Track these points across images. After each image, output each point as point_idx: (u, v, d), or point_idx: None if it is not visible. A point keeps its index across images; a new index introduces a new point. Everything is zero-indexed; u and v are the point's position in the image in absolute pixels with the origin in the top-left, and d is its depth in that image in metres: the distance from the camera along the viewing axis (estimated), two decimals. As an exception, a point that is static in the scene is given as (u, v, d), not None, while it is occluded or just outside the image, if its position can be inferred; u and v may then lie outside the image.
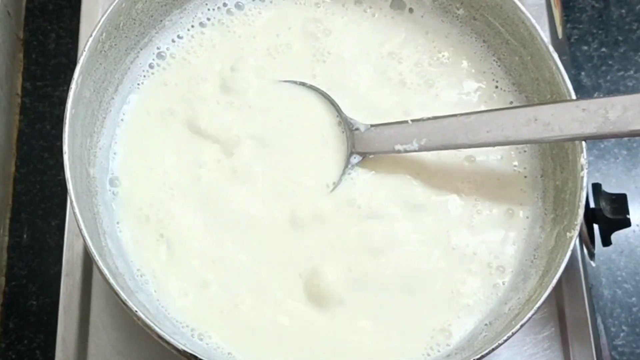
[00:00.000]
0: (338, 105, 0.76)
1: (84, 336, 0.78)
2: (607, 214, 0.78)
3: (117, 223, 0.72)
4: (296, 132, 0.76)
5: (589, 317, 0.80)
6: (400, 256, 0.73)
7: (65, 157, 0.68)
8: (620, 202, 0.78)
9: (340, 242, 0.73)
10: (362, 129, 0.75)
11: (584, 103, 0.69)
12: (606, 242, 0.79)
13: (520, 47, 0.77)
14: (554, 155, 0.75)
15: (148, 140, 0.76)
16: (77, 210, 0.66)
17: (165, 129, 0.76)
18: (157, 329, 0.64)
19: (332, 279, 0.72)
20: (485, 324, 0.71)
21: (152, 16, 0.78)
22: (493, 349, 0.66)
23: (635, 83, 1.03)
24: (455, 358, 0.69)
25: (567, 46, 1.02)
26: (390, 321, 0.72)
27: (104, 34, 0.73)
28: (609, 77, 1.03)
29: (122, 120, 0.76)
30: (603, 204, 0.78)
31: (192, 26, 0.80)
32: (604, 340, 0.85)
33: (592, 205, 0.79)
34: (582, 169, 0.70)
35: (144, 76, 0.78)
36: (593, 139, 0.70)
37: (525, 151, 0.77)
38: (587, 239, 0.81)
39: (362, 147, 0.75)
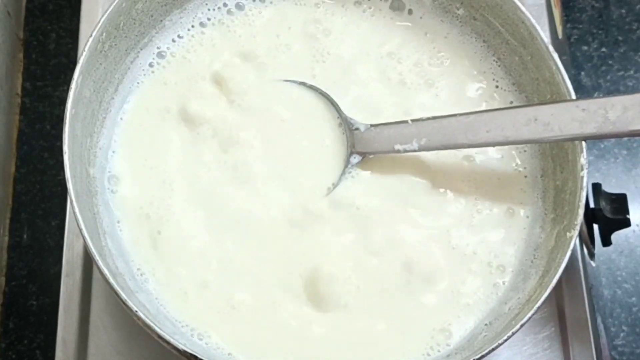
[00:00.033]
0: (338, 105, 0.76)
1: (84, 336, 0.78)
2: (607, 214, 0.78)
3: (118, 222, 0.72)
4: (296, 132, 0.76)
5: (589, 317, 0.80)
6: (400, 256, 0.73)
7: (65, 157, 0.68)
8: (620, 202, 0.78)
9: (340, 242, 0.73)
10: (362, 128, 0.75)
11: (583, 103, 0.69)
12: (606, 242, 0.79)
13: (520, 47, 0.77)
14: (554, 155, 0.75)
15: (148, 138, 0.76)
16: (77, 210, 0.66)
17: (165, 127, 0.76)
18: (157, 329, 0.64)
19: (332, 280, 0.72)
20: (485, 324, 0.71)
21: (152, 16, 0.78)
22: (493, 349, 0.66)
23: (635, 83, 1.03)
24: (455, 358, 0.69)
25: (567, 46, 1.02)
26: (390, 321, 0.72)
27: (104, 34, 0.73)
28: (609, 77, 1.03)
29: (121, 119, 0.76)
30: (603, 203, 0.78)
31: (193, 26, 0.80)
32: (604, 340, 0.85)
33: (592, 205, 0.79)
34: (582, 169, 0.70)
35: (144, 75, 0.78)
36: (593, 139, 0.70)
37: (525, 151, 0.77)
38: (587, 239, 0.81)
39: (362, 147, 0.75)
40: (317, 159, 0.76)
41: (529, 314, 0.66)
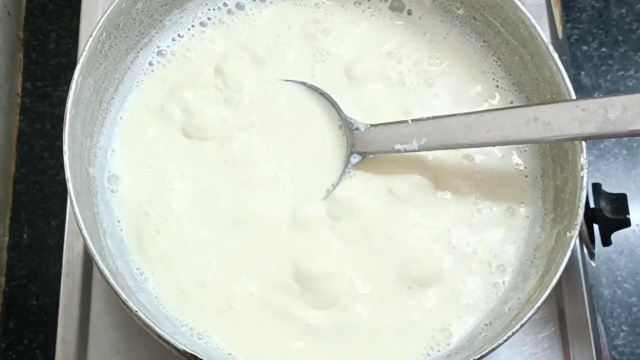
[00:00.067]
0: (338, 105, 0.76)
1: (84, 336, 0.78)
2: (607, 214, 0.78)
3: (118, 222, 0.73)
4: (296, 132, 0.76)
5: (589, 317, 0.80)
6: (400, 256, 0.73)
7: (65, 157, 0.68)
8: (620, 202, 0.78)
9: (340, 242, 0.73)
10: (362, 128, 0.75)
11: (583, 103, 0.69)
12: (606, 242, 0.79)
13: (520, 47, 0.77)
14: (554, 155, 0.75)
15: (147, 136, 0.76)
16: (77, 210, 0.66)
17: (165, 125, 0.76)
18: (157, 329, 0.64)
19: (331, 280, 0.72)
20: (485, 324, 0.71)
21: (152, 16, 0.78)
22: (493, 349, 0.66)
23: (635, 83, 1.03)
24: (455, 358, 0.69)
25: (567, 46, 1.02)
26: (390, 321, 0.72)
27: (104, 34, 0.73)
28: (609, 77, 1.03)
29: (121, 118, 0.76)
30: (603, 203, 0.78)
31: (193, 26, 0.80)
32: (604, 340, 0.85)
33: (592, 205, 0.79)
34: (582, 169, 0.70)
35: (144, 74, 0.78)
36: (593, 139, 0.70)
37: (525, 151, 0.77)
38: (587, 239, 0.81)
39: (362, 147, 0.75)
40: (316, 159, 0.76)
41: (529, 314, 0.66)
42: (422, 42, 0.81)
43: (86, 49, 0.71)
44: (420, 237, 0.74)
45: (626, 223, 0.78)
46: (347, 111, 0.76)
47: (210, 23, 0.80)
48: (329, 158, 0.76)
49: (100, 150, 0.74)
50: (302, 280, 0.72)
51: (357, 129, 0.75)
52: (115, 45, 0.75)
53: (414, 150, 0.74)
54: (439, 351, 0.71)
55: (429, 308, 0.72)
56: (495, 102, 0.79)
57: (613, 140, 1.00)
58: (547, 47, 0.74)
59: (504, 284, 0.73)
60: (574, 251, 0.72)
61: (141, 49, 0.78)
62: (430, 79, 0.79)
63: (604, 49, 1.04)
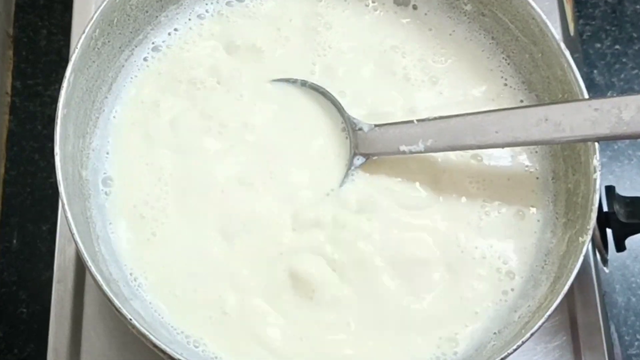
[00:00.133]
0: (341, 105, 0.76)
1: (77, 345, 0.78)
2: (621, 218, 0.78)
3: (110, 224, 0.73)
4: (297, 133, 0.77)
5: (602, 326, 0.80)
6: (405, 261, 0.73)
7: (57, 158, 0.68)
8: (634, 206, 0.78)
9: (344, 246, 0.73)
10: (366, 129, 0.75)
11: (596, 102, 0.69)
12: (620, 247, 0.79)
13: (531, 44, 0.77)
14: (566, 157, 0.75)
15: (142, 134, 0.76)
16: (69, 214, 0.66)
17: (161, 122, 0.76)
18: (152, 338, 0.64)
19: (334, 286, 0.72)
20: (494, 333, 0.71)
21: (147, 12, 0.78)
22: (502, 359, 0.66)
23: (650, 81, 1.03)
24: (462, 368, 0.70)
25: (579, 43, 1.02)
26: (394, 329, 0.72)
27: (97, 31, 0.73)
28: (622, 76, 1.03)
29: (114, 117, 0.76)
30: (617, 207, 0.78)
31: (190, 19, 0.80)
32: (617, 349, 0.85)
33: (605, 208, 0.79)
34: (595, 171, 0.70)
35: (138, 70, 0.78)
36: (606, 140, 0.70)
37: (536, 152, 0.77)
38: (600, 244, 0.81)
39: (366, 148, 0.75)
40: (318, 161, 0.76)
41: (540, 322, 0.66)
42: (427, 38, 0.81)
43: (78, 46, 0.71)
44: (427, 241, 0.74)
45: (641, 227, 0.78)
46: (349, 108, 0.76)
47: (208, 15, 0.80)
48: (332, 160, 0.76)
49: (93, 152, 0.74)
50: (299, 286, 0.72)
51: (360, 129, 0.75)
52: (109, 42, 0.75)
53: (420, 152, 0.74)
54: (445, 360, 0.71)
55: (435, 316, 0.72)
56: (504, 102, 0.79)
57: (627, 141, 0.99)
58: (558, 44, 0.74)
59: (513, 290, 0.73)
60: (586, 257, 0.72)
61: (136, 46, 0.78)
62: (435, 76, 0.80)
63: (617, 46, 1.04)
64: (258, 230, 0.73)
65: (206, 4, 0.81)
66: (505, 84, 0.79)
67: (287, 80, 0.78)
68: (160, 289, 0.71)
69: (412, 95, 0.79)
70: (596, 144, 0.71)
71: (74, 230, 0.66)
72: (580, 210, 0.72)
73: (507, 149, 0.77)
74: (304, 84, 0.78)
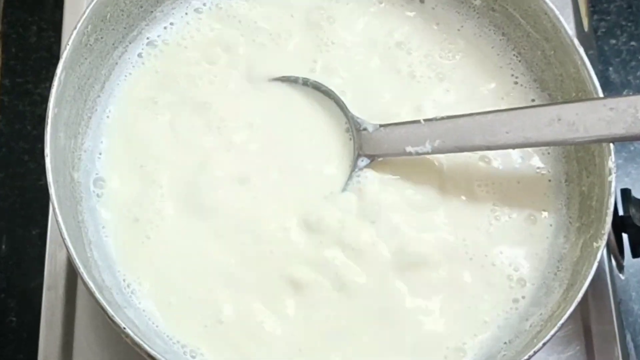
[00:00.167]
0: (344, 104, 0.76)
1: (68, 355, 0.78)
2: (638, 222, 0.78)
3: (104, 228, 0.72)
4: (299, 133, 0.77)
5: (618, 335, 0.80)
6: (410, 268, 0.73)
7: (48, 160, 0.68)
8: (651, 209, 0.78)
9: (346, 251, 0.73)
10: (370, 129, 0.75)
11: (612, 101, 0.69)
12: (636, 252, 0.79)
13: (543, 41, 0.77)
14: (579, 158, 0.75)
15: (137, 134, 0.76)
16: (60, 218, 0.66)
17: (157, 121, 0.76)
18: (146, 347, 0.64)
19: (337, 292, 0.72)
20: (504, 342, 0.71)
21: (141, 7, 0.78)
22: (513, 370, 0.66)
23: (667, 79, 1.03)
24: (471, 379, 0.70)
25: (594, 39, 1.02)
26: (399, 339, 0.71)
27: (90, 27, 0.73)
28: (639, 74, 1.03)
29: (108, 117, 0.76)
30: (633, 211, 0.78)
31: (187, 13, 0.80)
32: (633, 359, 0.85)
33: (620, 212, 0.79)
34: (610, 173, 0.70)
35: (133, 67, 0.78)
36: (622, 141, 0.70)
37: (548, 153, 0.77)
38: (615, 250, 0.81)
39: (371, 149, 0.75)
40: (321, 163, 0.75)
41: (552, 332, 0.66)
42: (434, 33, 0.81)
43: (70, 42, 0.71)
44: (434, 247, 0.74)
45: (658, 232, 0.78)
46: (351, 106, 0.76)
47: (205, 9, 0.80)
48: (335, 161, 0.76)
49: (85, 153, 0.74)
50: (299, 291, 0.72)
51: (365, 129, 0.75)
52: (102, 38, 0.75)
53: (427, 153, 0.74)
54: (453, 371, 0.71)
55: (442, 325, 0.72)
56: (515, 101, 0.79)
57: (643, 142, 0.99)
58: (571, 41, 0.74)
59: (524, 298, 0.73)
60: (601, 263, 0.72)
61: (130, 43, 0.78)
62: (442, 73, 0.80)
63: (633, 43, 1.04)
64: (257, 234, 0.73)
65: (203, -2, 0.81)
66: (516, 82, 0.79)
67: (289, 79, 0.78)
68: (154, 295, 0.71)
69: (418, 93, 0.79)
70: (611, 144, 0.70)
71: (65, 235, 0.66)
72: (595, 214, 0.71)
73: (517, 150, 0.77)
74: (305, 82, 0.78)
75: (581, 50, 0.74)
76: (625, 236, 0.79)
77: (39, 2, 1.02)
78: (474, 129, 0.72)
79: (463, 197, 0.76)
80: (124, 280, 0.71)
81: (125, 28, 0.77)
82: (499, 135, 0.71)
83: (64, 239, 0.66)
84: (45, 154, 0.68)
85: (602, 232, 0.69)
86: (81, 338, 0.79)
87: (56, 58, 0.72)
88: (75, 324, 0.79)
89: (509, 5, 0.78)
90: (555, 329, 0.66)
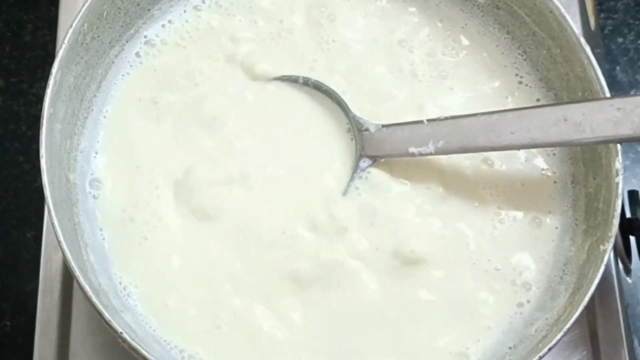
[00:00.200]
0: (346, 104, 0.76)
1: (63, 360, 0.78)
2: (645, 225, 0.78)
3: (100, 230, 0.73)
4: (299, 134, 0.77)
5: (625, 340, 0.80)
6: (413, 272, 0.73)
7: (43, 161, 0.68)
8: (659, 212, 0.78)
9: (348, 255, 0.73)
10: (373, 129, 0.75)
11: (619, 101, 0.69)
12: (644, 255, 0.79)
13: (549, 39, 0.77)
14: (586, 160, 0.75)
15: (134, 133, 0.76)
16: (55, 221, 0.66)
17: (154, 122, 0.76)
18: (144, 352, 0.64)
19: (338, 293, 0.72)
20: (509, 347, 0.71)
21: (138, 4, 0.78)
22: (518, 375, 0.66)
23: (676, 79, 1.03)
24: (474, 385, 0.70)
25: (601, 38, 1.02)
26: (401, 345, 0.72)
27: (86, 25, 0.73)
28: (647, 73, 1.03)
29: (104, 117, 0.76)
30: (640, 213, 0.78)
31: (185, 11, 0.80)
32: (641, 365, 0.85)
33: (628, 214, 0.79)
34: (617, 175, 0.70)
35: (130, 66, 0.78)
36: (629, 142, 0.70)
37: (554, 154, 0.77)
38: (622, 253, 0.80)
39: (373, 150, 0.75)
40: (322, 164, 0.76)
41: (558, 336, 0.66)
42: (437, 30, 0.81)
43: (65, 41, 0.71)
44: (437, 251, 0.74)
45: (666, 235, 0.78)
46: (353, 106, 0.76)
47: (205, 7, 0.81)
48: (336, 162, 0.76)
49: (81, 154, 0.74)
50: (300, 292, 0.72)
51: (366, 130, 0.75)
52: (98, 37, 0.75)
53: (430, 154, 0.74)
54: (455, 378, 0.71)
55: (445, 330, 0.72)
56: (520, 100, 0.79)
57: (651, 142, 1.00)
58: (578, 40, 0.74)
59: (529, 302, 0.73)
60: (607, 266, 0.72)
61: (127, 41, 0.78)
62: (445, 71, 0.80)
63: (641, 42, 1.04)
64: (257, 234, 0.73)
65: (202, -6, 0.81)
66: (521, 82, 0.79)
67: (289, 78, 0.78)
68: (150, 298, 0.71)
69: (420, 92, 0.79)
70: (618, 145, 0.70)
71: (61, 238, 0.66)
72: (602, 216, 0.72)
73: (521, 152, 0.77)
74: (306, 81, 0.78)
75: (588, 49, 0.74)
76: (632, 239, 0.79)
77: (34, 0, 1.02)
78: (478, 129, 0.72)
79: (466, 200, 0.76)
80: (120, 282, 0.71)
81: (122, 26, 0.77)
82: (503, 136, 0.72)
83: (59, 242, 0.66)
84: (41, 155, 0.68)
85: (609, 234, 0.69)
86: (77, 343, 0.79)
87: (51, 57, 0.72)
88: (71, 329, 0.79)
89: (514, 3, 0.78)
90: (561, 333, 0.66)
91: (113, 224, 0.73)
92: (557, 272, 0.74)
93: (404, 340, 0.72)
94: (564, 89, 0.77)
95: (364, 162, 0.75)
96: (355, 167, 0.75)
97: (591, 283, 0.68)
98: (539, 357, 0.66)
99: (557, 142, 0.71)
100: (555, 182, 0.77)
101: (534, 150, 0.77)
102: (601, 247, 0.70)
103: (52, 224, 0.66)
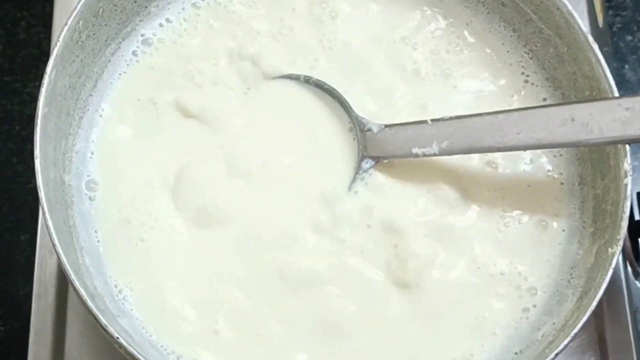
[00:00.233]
0: (348, 104, 0.76)
1: (58, 365, 0.78)
2: (655, 227, 0.78)
3: (96, 232, 0.73)
4: (300, 134, 0.77)
5: (634, 344, 0.80)
6: (416, 277, 0.73)
7: (37, 162, 0.68)
8: (669, 214, 0.78)
9: (349, 257, 0.73)
10: (375, 129, 0.75)
11: (627, 101, 0.69)
12: (653, 259, 0.79)
13: (556, 37, 0.77)
14: (594, 161, 0.75)
15: (132, 133, 0.76)
16: (50, 223, 0.66)
17: (151, 121, 0.76)
18: (140, 358, 0.64)
19: (340, 297, 0.72)
20: (515, 353, 0.71)
21: (135, 1, 0.78)
22: (524, 381, 0.66)
23: (686, 78, 1.03)
24: (479, 392, 0.70)
25: (609, 36, 1.02)
26: (403, 350, 0.72)
27: (81, 22, 0.73)
28: (656, 71, 1.03)
29: (100, 116, 0.76)
30: (649, 215, 0.78)
31: (184, 9, 0.80)
32: (650, 370, 0.85)
33: (637, 217, 0.79)
34: (626, 176, 0.70)
35: (127, 65, 0.78)
36: (638, 142, 0.70)
37: (561, 155, 0.77)
38: (631, 255, 0.80)
39: (375, 151, 0.75)
40: (324, 165, 0.76)
41: (565, 341, 0.66)
42: (442, 27, 0.81)
43: (61, 39, 0.71)
44: (440, 255, 0.74)
45: (676, 238, 0.78)
46: (356, 106, 0.76)
47: (204, 4, 0.81)
48: (338, 163, 0.76)
49: (76, 154, 0.74)
50: (301, 294, 0.72)
51: (369, 130, 0.75)
52: (94, 35, 0.75)
53: (434, 155, 0.74)
54: (459, 384, 0.71)
55: (450, 336, 0.72)
56: (525, 100, 0.79)
57: (661, 143, 0.99)
58: (585, 37, 0.74)
59: (535, 307, 0.73)
60: (616, 269, 0.72)
61: (123, 39, 0.78)
62: (449, 69, 0.80)
63: (650, 39, 1.04)
64: (258, 235, 0.73)
65: (201, -8, 0.81)
66: (527, 80, 0.79)
67: (290, 76, 0.78)
68: (146, 302, 0.71)
69: (423, 89, 0.79)
70: (627, 146, 0.70)
71: (56, 241, 0.66)
72: (610, 218, 0.71)
73: (527, 152, 0.77)
74: (307, 79, 0.78)
75: (595, 47, 0.74)
76: (641, 242, 0.79)
77: (28, -3, 1.02)
78: (483, 129, 0.72)
79: (471, 203, 0.76)
80: (115, 286, 0.71)
81: (118, 24, 0.77)
82: (509, 136, 0.71)
83: (54, 245, 0.66)
84: (35, 156, 0.68)
85: (618, 237, 0.69)
86: (72, 347, 0.79)
87: (46, 55, 0.72)
88: (66, 333, 0.79)
89: (520, 0, 0.78)
90: (569, 338, 0.66)
91: (109, 226, 0.73)
92: (564, 276, 0.74)
93: (406, 344, 0.72)
94: (571, 88, 0.77)
95: (367, 163, 0.75)
96: (358, 168, 0.75)
97: (599, 287, 0.68)
98: (546, 362, 0.66)
99: (564, 142, 0.71)
100: (562, 183, 0.76)
101: (539, 151, 0.77)
102: (609, 250, 0.69)
103: (47, 226, 0.66)
